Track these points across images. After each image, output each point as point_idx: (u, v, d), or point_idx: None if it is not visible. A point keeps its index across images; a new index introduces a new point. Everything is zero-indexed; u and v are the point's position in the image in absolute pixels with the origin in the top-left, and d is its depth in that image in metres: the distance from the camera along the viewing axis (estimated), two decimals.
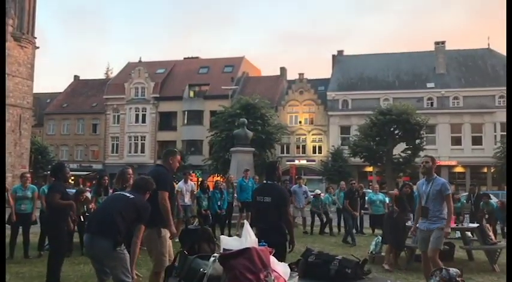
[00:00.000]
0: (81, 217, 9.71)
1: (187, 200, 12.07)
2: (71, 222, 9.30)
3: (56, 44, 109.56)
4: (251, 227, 5.10)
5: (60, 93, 53.78)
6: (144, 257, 8.93)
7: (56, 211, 6.26)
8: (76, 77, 56.25)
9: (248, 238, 3.26)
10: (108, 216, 4.46)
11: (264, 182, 5.67)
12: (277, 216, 5.25)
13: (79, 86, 53.80)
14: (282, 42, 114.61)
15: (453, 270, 3.14)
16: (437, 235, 5.98)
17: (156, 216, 5.00)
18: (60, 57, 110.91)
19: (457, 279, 3.08)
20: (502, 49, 43.31)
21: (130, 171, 7.22)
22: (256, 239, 3.39)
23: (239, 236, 3.25)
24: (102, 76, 64.21)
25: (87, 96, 51.26)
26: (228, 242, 3.07)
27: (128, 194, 4.67)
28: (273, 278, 2.38)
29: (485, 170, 39.01)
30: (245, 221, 4.29)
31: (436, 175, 6.16)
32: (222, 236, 3.35)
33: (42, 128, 49.83)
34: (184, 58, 54.62)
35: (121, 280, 4.42)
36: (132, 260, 4.41)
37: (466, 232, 9.17)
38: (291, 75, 48.79)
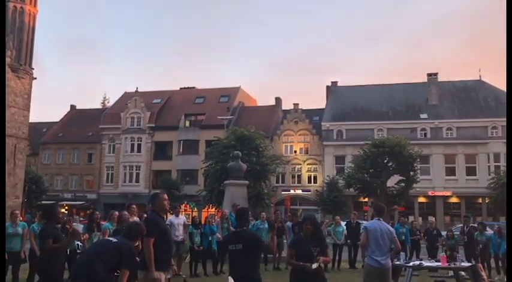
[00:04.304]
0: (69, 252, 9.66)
1: (178, 233, 11.79)
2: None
3: (53, 73, 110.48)
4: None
5: (56, 122, 53.96)
6: None
7: (48, 255, 6.27)
8: (72, 107, 56.55)
9: None
10: (86, 260, 4.58)
11: (234, 229, 5.74)
12: (250, 263, 5.32)
13: (75, 116, 54.03)
14: (277, 72, 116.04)
15: None
16: None
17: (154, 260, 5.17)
18: (57, 86, 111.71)
19: None
20: (493, 81, 44.12)
21: (127, 214, 7.38)
22: None
23: None
24: (98, 106, 64.63)
25: (83, 126, 51.40)
26: None
27: (111, 239, 4.75)
28: None
29: (479, 200, 38.99)
30: (229, 277, 4.32)
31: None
32: None
33: (37, 157, 49.66)
34: (181, 88, 55.12)
35: None
36: None
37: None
38: (286, 105, 49.57)
